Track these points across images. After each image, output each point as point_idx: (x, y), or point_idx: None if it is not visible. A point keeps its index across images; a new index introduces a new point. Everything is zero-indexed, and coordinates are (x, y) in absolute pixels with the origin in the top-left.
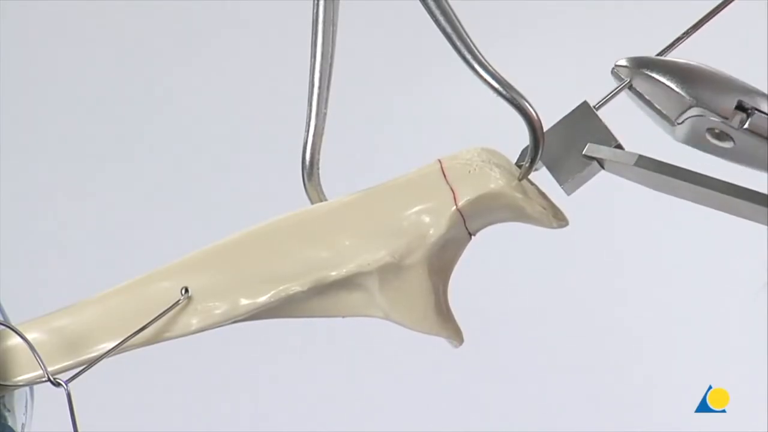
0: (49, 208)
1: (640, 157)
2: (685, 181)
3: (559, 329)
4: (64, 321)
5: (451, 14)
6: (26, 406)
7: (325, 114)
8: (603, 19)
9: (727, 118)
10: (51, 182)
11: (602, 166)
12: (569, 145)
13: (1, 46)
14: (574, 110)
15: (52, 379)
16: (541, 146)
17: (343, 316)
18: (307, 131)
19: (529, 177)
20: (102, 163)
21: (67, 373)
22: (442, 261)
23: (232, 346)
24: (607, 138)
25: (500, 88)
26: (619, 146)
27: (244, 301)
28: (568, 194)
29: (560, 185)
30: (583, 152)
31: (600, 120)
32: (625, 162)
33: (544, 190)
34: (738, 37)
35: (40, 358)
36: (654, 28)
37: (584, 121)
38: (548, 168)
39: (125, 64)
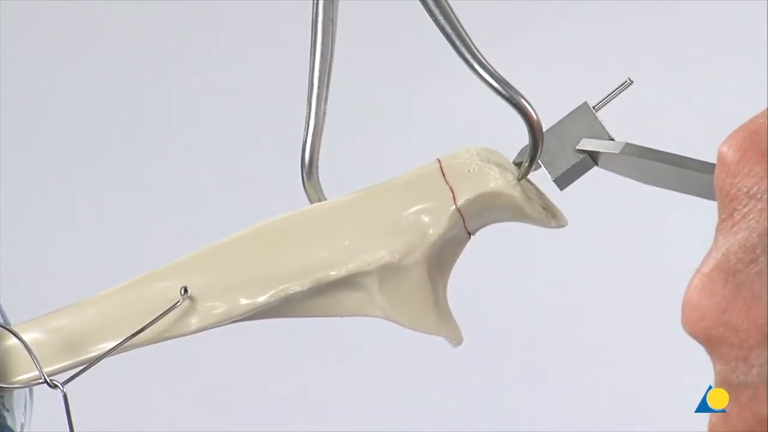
0: (49, 209)
1: (627, 144)
2: (672, 165)
3: (559, 329)
4: (64, 321)
5: (451, 14)
6: (25, 406)
7: (325, 113)
8: (603, 19)
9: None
10: (51, 183)
11: (596, 162)
12: (565, 142)
13: (4, 46)
14: (573, 110)
15: (48, 380)
16: (540, 145)
17: (343, 316)
18: (307, 131)
19: (529, 177)
20: (102, 163)
21: (65, 374)
22: (441, 260)
23: (232, 346)
24: (602, 134)
25: (499, 87)
26: (612, 140)
27: (243, 301)
28: (561, 189)
29: (553, 179)
30: (576, 147)
31: (597, 119)
32: (612, 151)
33: (543, 190)
34: (738, 38)
35: (36, 359)
36: (653, 28)
37: (582, 120)
38: (543, 164)
39: (124, 65)
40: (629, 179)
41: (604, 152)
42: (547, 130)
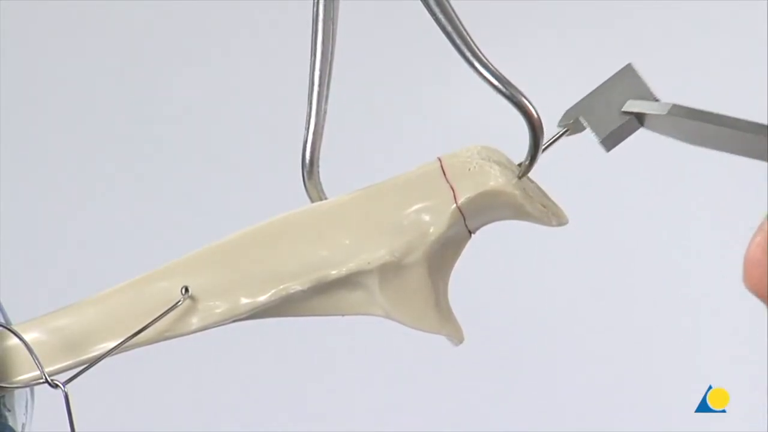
0: (49, 208)
1: (674, 105)
2: (721, 125)
3: (559, 329)
4: (64, 321)
5: (452, 12)
6: (27, 406)
7: (325, 112)
8: (603, 18)
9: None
10: (51, 182)
11: (641, 124)
12: (610, 103)
13: (3, 47)
14: (617, 72)
15: (49, 380)
16: (541, 144)
17: (344, 315)
18: (307, 130)
19: (529, 175)
20: (102, 163)
21: (66, 373)
22: (442, 259)
23: (232, 345)
24: (647, 96)
25: (500, 86)
26: (657, 101)
27: (244, 301)
28: (607, 150)
29: (599, 142)
30: (622, 108)
31: (642, 80)
32: (659, 112)
33: (544, 188)
34: (738, 38)
35: (37, 359)
36: (653, 27)
37: (627, 82)
38: (589, 125)
39: (125, 64)
40: (675, 141)
41: (651, 113)
42: (591, 92)
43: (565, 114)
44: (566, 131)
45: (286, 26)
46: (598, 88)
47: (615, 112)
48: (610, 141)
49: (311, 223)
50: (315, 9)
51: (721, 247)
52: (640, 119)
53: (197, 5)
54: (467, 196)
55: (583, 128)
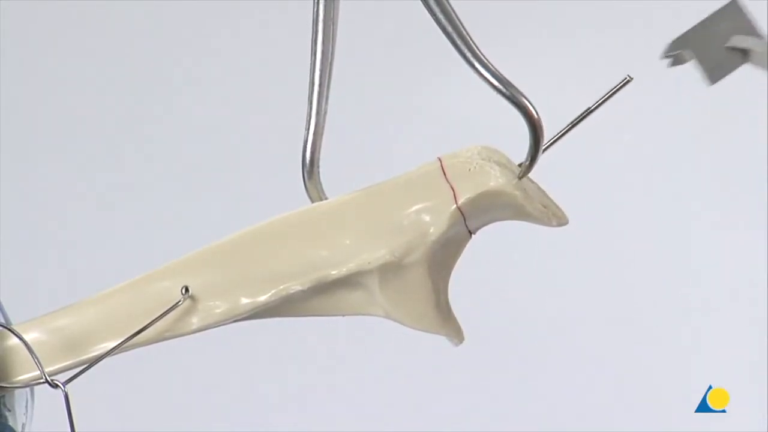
0: (49, 208)
1: None
2: None
3: (559, 329)
4: (64, 321)
5: (452, 13)
6: (27, 406)
7: (326, 113)
8: (604, 18)
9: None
10: (51, 182)
11: (747, 59)
12: (715, 37)
13: (3, 45)
14: (721, 8)
15: (49, 380)
16: (541, 144)
17: (344, 315)
18: (308, 130)
19: (530, 176)
20: (102, 163)
21: (66, 373)
22: (442, 259)
23: (232, 345)
24: (753, 32)
25: (500, 86)
26: (763, 38)
27: (244, 301)
28: (710, 84)
29: (703, 75)
30: (727, 44)
31: (747, 16)
32: (765, 50)
33: (544, 188)
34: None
35: (37, 359)
36: (653, 27)
37: (732, 18)
38: (695, 58)
39: (124, 64)
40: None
41: (758, 51)
42: (694, 26)
43: (669, 45)
44: (671, 60)
45: (286, 26)
46: (702, 21)
47: (720, 46)
48: (714, 75)
49: (311, 223)
50: (315, 9)
51: (721, 247)
52: (745, 55)
53: (197, 5)
54: (467, 196)
55: (686, 60)
